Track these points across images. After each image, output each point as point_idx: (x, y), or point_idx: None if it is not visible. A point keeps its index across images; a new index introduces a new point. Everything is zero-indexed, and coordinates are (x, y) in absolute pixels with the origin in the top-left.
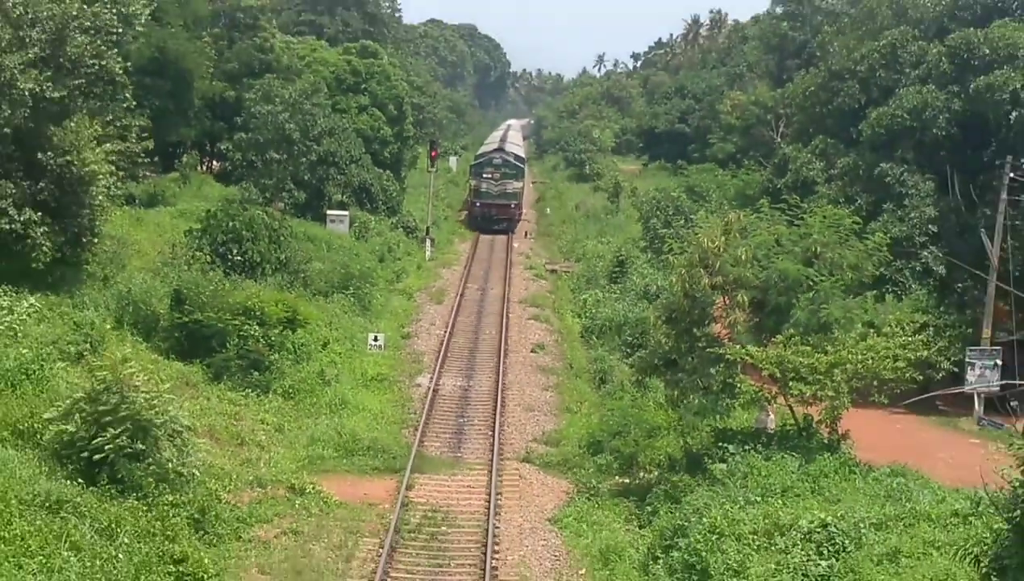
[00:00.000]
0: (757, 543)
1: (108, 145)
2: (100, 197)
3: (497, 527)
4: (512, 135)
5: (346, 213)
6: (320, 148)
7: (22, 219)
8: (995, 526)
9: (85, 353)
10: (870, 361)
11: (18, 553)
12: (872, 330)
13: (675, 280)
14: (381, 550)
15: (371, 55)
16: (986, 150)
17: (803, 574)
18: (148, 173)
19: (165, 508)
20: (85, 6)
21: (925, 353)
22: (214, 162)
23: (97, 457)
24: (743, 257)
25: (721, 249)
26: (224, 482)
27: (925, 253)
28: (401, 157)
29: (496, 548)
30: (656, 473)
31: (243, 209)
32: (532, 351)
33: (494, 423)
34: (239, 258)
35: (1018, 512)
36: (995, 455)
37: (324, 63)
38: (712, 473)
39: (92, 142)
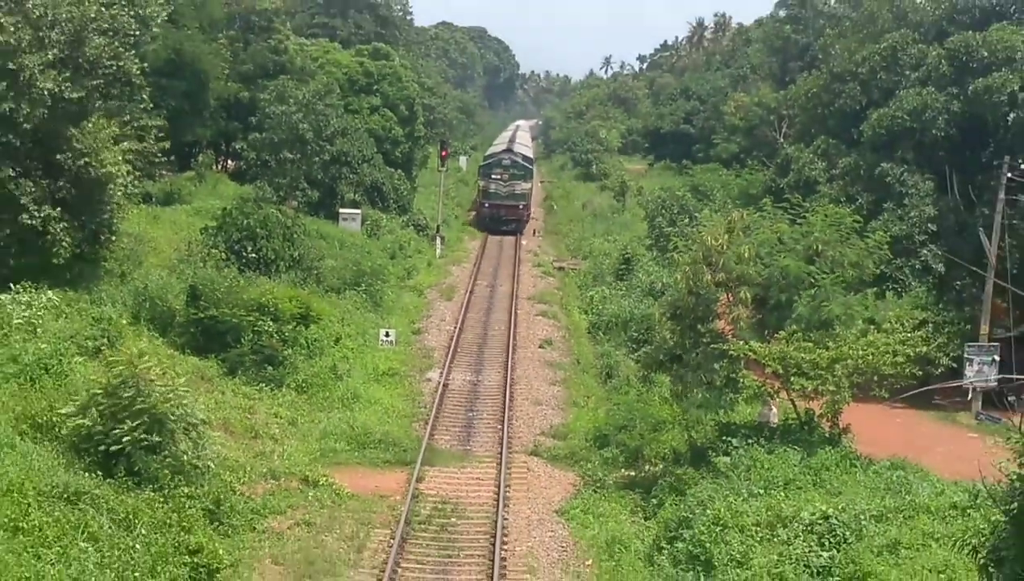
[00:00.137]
0: (760, 534)
1: (125, 144)
2: (118, 195)
3: (506, 518)
4: (521, 135)
5: (358, 211)
6: (333, 148)
7: (42, 215)
8: (993, 518)
9: (103, 348)
10: (870, 357)
11: (36, 543)
12: (872, 326)
13: (680, 277)
14: (392, 541)
15: (383, 57)
16: (984, 151)
17: (805, 565)
18: (165, 172)
19: (181, 500)
20: (103, 8)
21: (924, 349)
22: (229, 161)
23: (114, 449)
24: (746, 255)
25: (724, 247)
26: (238, 474)
27: (924, 251)
28: (412, 157)
29: (505, 539)
30: (661, 466)
31: (257, 207)
32: (540, 347)
33: (503, 417)
34: (253, 255)
35: (1015, 505)
36: (993, 449)
37: (337, 65)
38: (716, 466)
39: (110, 142)
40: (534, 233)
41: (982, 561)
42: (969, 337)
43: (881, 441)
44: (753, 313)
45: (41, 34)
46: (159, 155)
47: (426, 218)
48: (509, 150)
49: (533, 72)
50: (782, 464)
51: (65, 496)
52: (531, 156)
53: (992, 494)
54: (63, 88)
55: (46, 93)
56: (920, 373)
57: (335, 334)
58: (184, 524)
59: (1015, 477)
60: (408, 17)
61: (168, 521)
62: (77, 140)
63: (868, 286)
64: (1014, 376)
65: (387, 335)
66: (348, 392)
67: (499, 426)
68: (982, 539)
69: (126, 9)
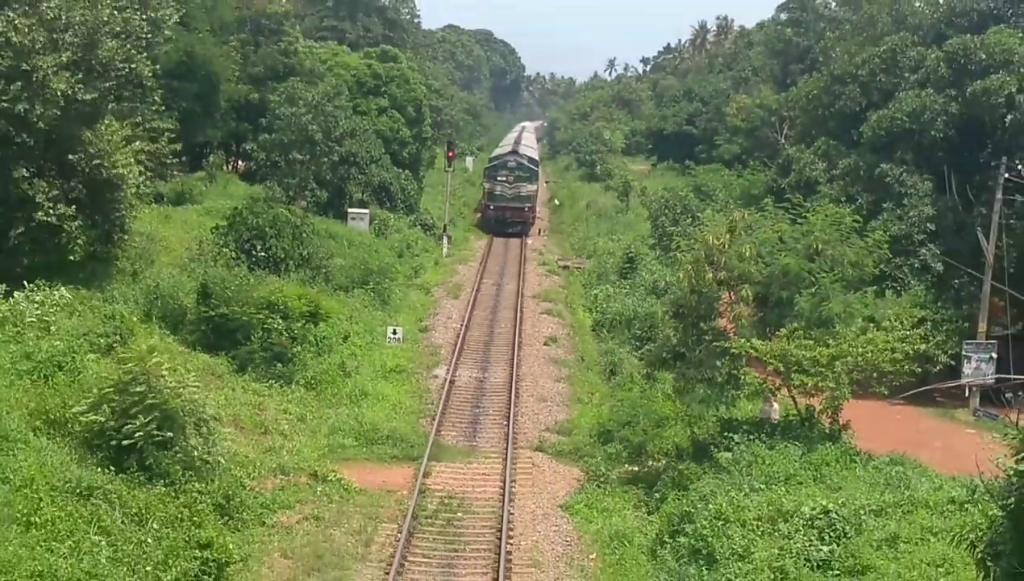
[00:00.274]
0: (761, 529)
1: (137, 144)
2: (130, 195)
3: (511, 513)
4: (526, 137)
5: (366, 211)
6: (342, 149)
7: (58, 213)
8: (990, 513)
9: (115, 345)
10: (870, 354)
11: (49, 537)
12: (872, 324)
13: (682, 276)
14: (399, 535)
15: (391, 59)
16: (982, 152)
17: (805, 559)
18: (176, 173)
19: (192, 495)
20: (116, 12)
21: (923, 347)
22: (239, 162)
23: (126, 444)
24: (747, 254)
25: (726, 246)
26: (248, 470)
27: (923, 250)
28: (419, 157)
29: (510, 533)
30: (664, 461)
31: (267, 207)
32: (545, 344)
33: (508, 413)
34: (263, 254)
35: (1012, 500)
36: (990, 445)
37: (346, 67)
38: (718, 461)
39: (122, 143)
40: (539, 232)
41: (979, 555)
42: (967, 335)
43: (880, 437)
44: (754, 311)
45: (55, 36)
46: (171, 156)
47: (433, 218)
48: (514, 152)
49: (539, 74)
50: (783, 460)
51: (78, 491)
52: (536, 158)
53: (989, 489)
54: (76, 89)
55: (59, 94)
56: (919, 370)
57: (343, 332)
58: (195, 519)
59: (1012, 473)
60: (416, 20)
61: (179, 516)
62: (90, 141)
63: (868, 285)
64: (1011, 375)
65: (394, 333)
66: (356, 389)
67: (505, 422)
68: (979, 533)
69: (138, 12)
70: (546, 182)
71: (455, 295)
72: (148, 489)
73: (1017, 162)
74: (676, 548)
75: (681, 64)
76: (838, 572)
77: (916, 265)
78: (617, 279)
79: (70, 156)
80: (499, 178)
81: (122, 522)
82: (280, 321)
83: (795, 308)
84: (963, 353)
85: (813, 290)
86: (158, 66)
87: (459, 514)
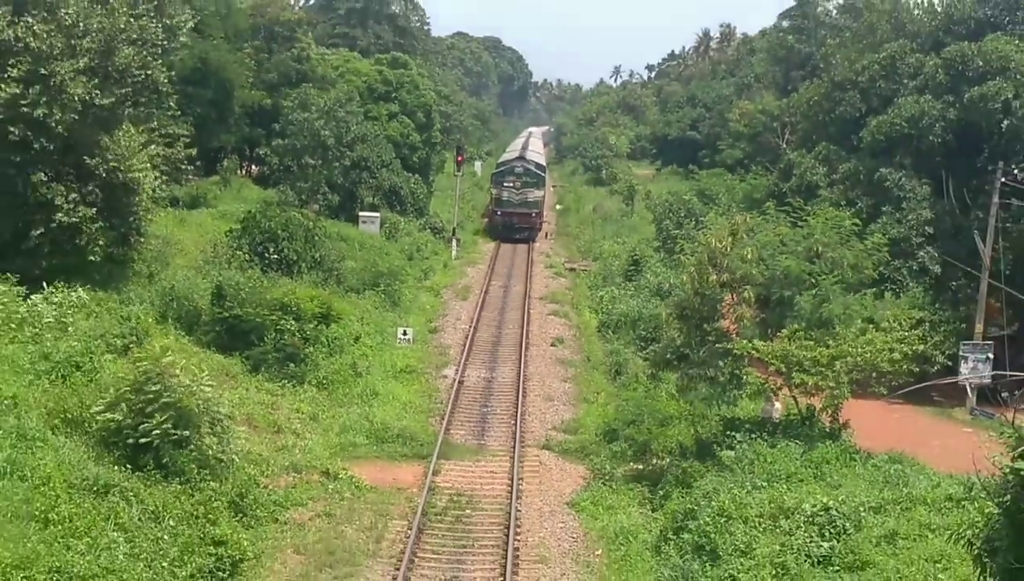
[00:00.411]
0: (763, 525)
1: (153, 149)
2: (146, 199)
3: (519, 510)
4: (533, 142)
5: (377, 214)
6: (353, 153)
7: (79, 215)
8: (987, 510)
9: (131, 346)
10: (869, 354)
11: (66, 534)
12: (871, 325)
13: (686, 278)
14: (409, 532)
15: (401, 66)
16: (979, 156)
17: (806, 555)
18: (191, 177)
19: (207, 492)
20: (132, 19)
21: (921, 347)
22: (253, 166)
23: (143, 443)
24: (749, 256)
25: (729, 249)
26: (262, 468)
27: (921, 253)
28: (429, 162)
29: (518, 530)
30: (668, 460)
31: (280, 211)
32: (552, 345)
33: (516, 412)
34: (276, 257)
35: (1008, 497)
36: (987, 443)
37: (357, 73)
38: (721, 460)
39: (138, 148)
40: (546, 236)
41: (976, 551)
42: (964, 335)
43: (879, 436)
44: (756, 312)
45: (73, 42)
46: (186, 161)
47: (442, 221)
48: (522, 158)
49: (546, 80)
50: (784, 458)
51: (95, 489)
52: (543, 163)
53: (986, 487)
54: (93, 95)
55: (76, 99)
56: (917, 370)
57: (355, 333)
58: (210, 516)
59: (1008, 471)
60: (425, 28)
61: (195, 513)
62: (108, 146)
63: (867, 286)
64: (1007, 373)
65: (405, 334)
66: (367, 388)
67: (512, 421)
68: (976, 530)
69: (154, 20)
70: (553, 186)
71: (464, 297)
72: (164, 487)
73: (1013, 166)
74: (680, 544)
75: (685, 71)
76: (838, 568)
77: (914, 267)
78: (622, 281)
79: (87, 160)
80: (506, 184)
81: (139, 519)
82: (293, 322)
83: (796, 309)
84: (960, 353)
85: (813, 292)
86: (173, 72)
87: (468, 511)
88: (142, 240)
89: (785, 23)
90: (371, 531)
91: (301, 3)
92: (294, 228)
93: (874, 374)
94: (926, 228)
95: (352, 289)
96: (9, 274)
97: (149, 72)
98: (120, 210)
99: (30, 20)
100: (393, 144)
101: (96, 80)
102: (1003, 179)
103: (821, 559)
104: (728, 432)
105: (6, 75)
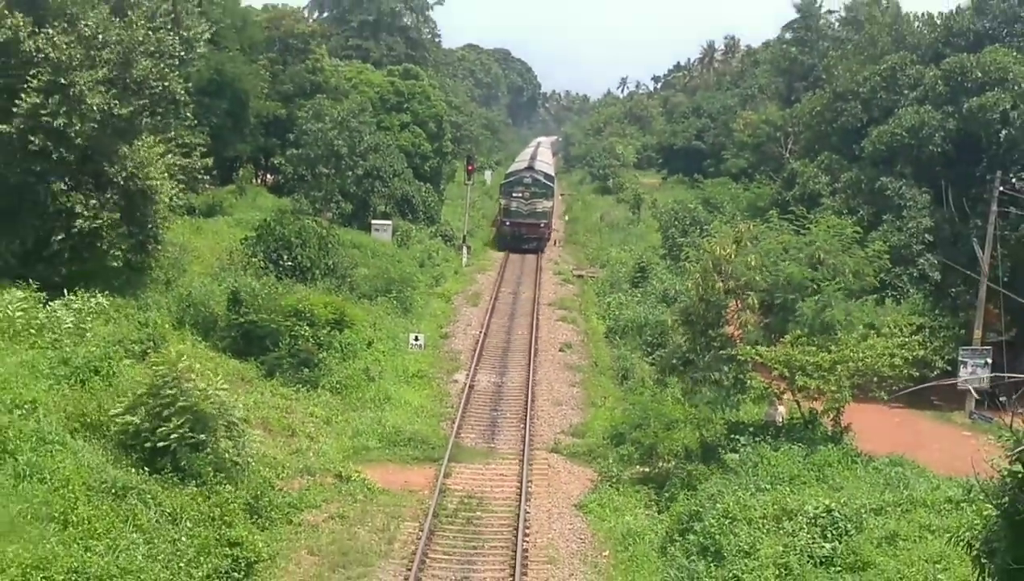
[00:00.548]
0: (767, 527)
1: (170, 158)
2: (163, 207)
3: (528, 512)
4: (542, 152)
5: (389, 222)
6: (366, 163)
7: (100, 221)
8: (985, 512)
9: (149, 351)
10: (870, 359)
11: (85, 535)
12: (872, 331)
13: (691, 285)
14: (421, 533)
15: (413, 77)
16: (978, 166)
17: (809, 556)
18: (207, 185)
19: (223, 495)
20: (150, 32)
21: (921, 352)
22: (268, 175)
23: (160, 446)
24: (753, 263)
25: (733, 256)
26: (276, 470)
27: (921, 260)
28: (440, 171)
29: (527, 531)
30: (674, 462)
31: (294, 219)
32: (560, 350)
33: (525, 416)
34: (290, 264)
35: (1006, 499)
36: (985, 446)
37: (370, 84)
38: (725, 462)
39: (156, 157)
40: (555, 243)
41: (975, 552)
42: (963, 341)
43: (880, 439)
44: (760, 318)
45: (93, 53)
46: (202, 170)
47: (453, 229)
48: (530, 168)
49: (554, 91)
50: (787, 461)
51: (113, 491)
52: (552, 174)
53: (985, 489)
54: (112, 105)
55: (95, 108)
56: (917, 375)
57: (367, 338)
58: (226, 518)
59: (1006, 473)
60: (437, 40)
61: (211, 515)
62: (126, 155)
63: (868, 293)
64: (1005, 375)
65: (416, 339)
66: (380, 393)
67: (522, 425)
68: (975, 531)
69: (172, 32)
70: (561, 195)
71: (474, 303)
72: (181, 489)
73: (1012, 176)
74: (685, 545)
75: (690, 82)
76: (840, 568)
77: (915, 274)
78: (629, 288)
79: (106, 168)
80: (515, 194)
81: (156, 521)
82: (307, 328)
83: (798, 315)
84: (959, 358)
85: (816, 298)
86: (190, 84)
87: (478, 513)
88: (159, 247)
89: (788, 35)
90: (383, 532)
91: (315, 16)
92: (308, 236)
93: (875, 379)
94: (926, 236)
95: (365, 295)
96: (30, 281)
97: (166, 83)
98: (138, 218)
99: (51, 32)
100: (405, 154)
101: (114, 91)
102: (1001, 188)
103: (823, 560)
104: (732, 435)
105: (27, 85)
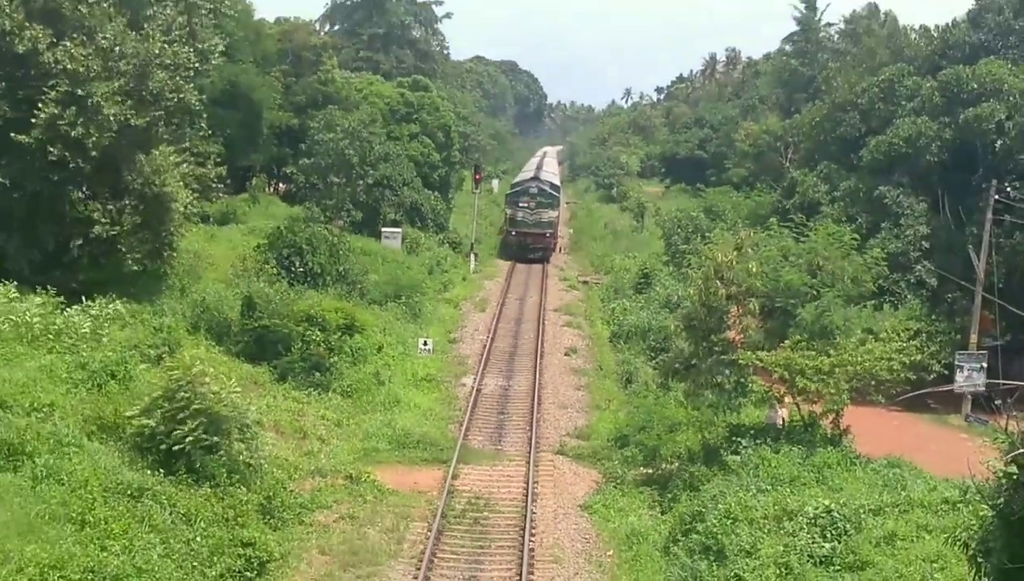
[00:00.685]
0: (767, 527)
1: (185, 167)
2: (178, 215)
3: (534, 512)
4: (548, 162)
5: (399, 230)
6: (376, 172)
7: (116, 229)
8: (981, 513)
9: (164, 356)
10: (868, 363)
11: (102, 535)
12: (871, 336)
13: (694, 291)
14: (429, 533)
15: (422, 88)
16: (974, 175)
17: (809, 555)
18: (221, 194)
19: (236, 496)
20: (166, 45)
21: (918, 357)
22: (280, 184)
23: (175, 449)
24: (754, 270)
25: (734, 263)
26: (288, 472)
27: (918, 267)
28: (448, 180)
29: (533, 531)
30: (677, 464)
31: (306, 226)
32: (566, 354)
33: (531, 419)
34: (302, 270)
35: (1002, 500)
36: (981, 448)
37: (380, 95)
38: (727, 464)
39: (172, 167)
40: (560, 250)
41: (971, 552)
42: (959, 346)
43: (878, 441)
44: (760, 323)
45: (110, 64)
46: (216, 179)
47: (461, 236)
48: (536, 178)
49: (559, 102)
50: (787, 462)
51: (129, 492)
52: (557, 183)
53: (981, 490)
54: (128, 115)
55: (112, 119)
56: (914, 379)
57: (377, 343)
58: (239, 518)
59: (1002, 475)
60: (445, 52)
61: (225, 516)
62: (142, 165)
63: (867, 299)
64: (1000, 381)
65: (425, 344)
66: (389, 396)
67: (528, 427)
68: (971, 531)
69: (187, 45)
70: (567, 203)
71: (481, 309)
72: (195, 491)
73: (1006, 184)
74: (688, 545)
75: (693, 93)
76: (839, 567)
77: (912, 281)
78: (633, 294)
79: (123, 176)
80: (521, 204)
81: (171, 521)
82: (318, 333)
83: (798, 320)
84: (956, 363)
85: (815, 303)
86: (204, 95)
87: (485, 513)
88: (175, 254)
89: (788, 47)
90: (393, 533)
91: (327, 29)
92: (319, 243)
93: (873, 382)
94: (923, 243)
95: (375, 301)
96: (48, 287)
97: (182, 95)
98: (154, 225)
99: (69, 44)
100: (414, 163)
101: (131, 102)
102: (996, 196)
103: (823, 559)
104: (734, 438)
105: (45, 96)
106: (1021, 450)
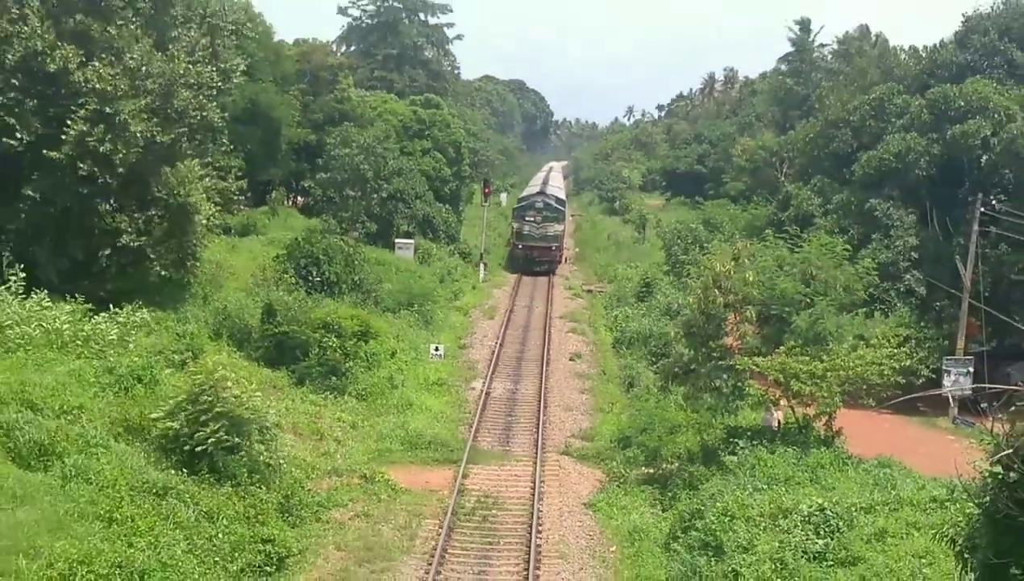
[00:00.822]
0: (763, 524)
1: (208, 181)
2: (201, 227)
3: (540, 510)
4: (554, 177)
5: (411, 241)
6: (390, 186)
7: (141, 240)
8: (968, 511)
9: (188, 361)
10: (860, 368)
11: (129, 532)
12: (862, 342)
13: (693, 299)
14: (440, 530)
15: (434, 106)
16: (960, 188)
17: (803, 551)
18: (242, 207)
19: (257, 495)
20: (190, 65)
21: (908, 362)
22: (299, 197)
23: (198, 450)
24: (750, 279)
25: (732, 272)
26: (306, 472)
27: (908, 276)
28: (459, 193)
29: (539, 528)
30: (677, 464)
31: (323, 238)
32: (571, 359)
33: (538, 421)
34: (319, 279)
35: (987, 498)
36: (968, 449)
37: (394, 113)
38: (725, 464)
39: (195, 180)
40: (566, 261)
41: (958, 548)
42: (947, 351)
43: (870, 443)
44: (757, 330)
45: (137, 82)
46: (237, 192)
47: (471, 247)
48: (542, 193)
49: (565, 119)
50: (783, 463)
51: (155, 491)
52: (563, 197)
53: (967, 489)
54: (154, 132)
55: (138, 135)
56: (904, 383)
57: (391, 349)
58: (259, 516)
59: (987, 474)
60: (456, 71)
61: (245, 514)
62: (167, 178)
63: (858, 306)
64: (986, 385)
65: (436, 350)
66: (402, 400)
67: (535, 429)
68: (958, 529)
69: (210, 65)
70: (572, 216)
71: (490, 316)
72: (217, 490)
73: (992, 198)
74: (688, 541)
75: (692, 110)
76: (832, 563)
77: (901, 289)
78: (635, 302)
79: (152, 187)
80: (527, 218)
81: (195, 519)
82: (335, 339)
83: (792, 327)
84: (943, 367)
85: (809, 311)
86: (226, 112)
87: (494, 511)
88: (198, 264)
89: (784, 67)
90: (406, 530)
91: (343, 49)
92: (335, 253)
93: (865, 386)
94: (912, 253)
95: (389, 309)
96: (76, 296)
97: (205, 113)
98: (178, 235)
99: (97, 64)
100: (426, 177)
101: (156, 119)
102: (982, 209)
103: (816, 555)
104: (731, 439)
105: (75, 114)
106: (1006, 451)
